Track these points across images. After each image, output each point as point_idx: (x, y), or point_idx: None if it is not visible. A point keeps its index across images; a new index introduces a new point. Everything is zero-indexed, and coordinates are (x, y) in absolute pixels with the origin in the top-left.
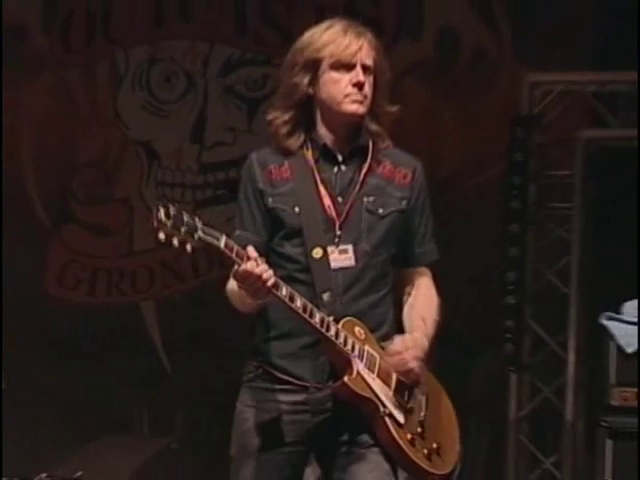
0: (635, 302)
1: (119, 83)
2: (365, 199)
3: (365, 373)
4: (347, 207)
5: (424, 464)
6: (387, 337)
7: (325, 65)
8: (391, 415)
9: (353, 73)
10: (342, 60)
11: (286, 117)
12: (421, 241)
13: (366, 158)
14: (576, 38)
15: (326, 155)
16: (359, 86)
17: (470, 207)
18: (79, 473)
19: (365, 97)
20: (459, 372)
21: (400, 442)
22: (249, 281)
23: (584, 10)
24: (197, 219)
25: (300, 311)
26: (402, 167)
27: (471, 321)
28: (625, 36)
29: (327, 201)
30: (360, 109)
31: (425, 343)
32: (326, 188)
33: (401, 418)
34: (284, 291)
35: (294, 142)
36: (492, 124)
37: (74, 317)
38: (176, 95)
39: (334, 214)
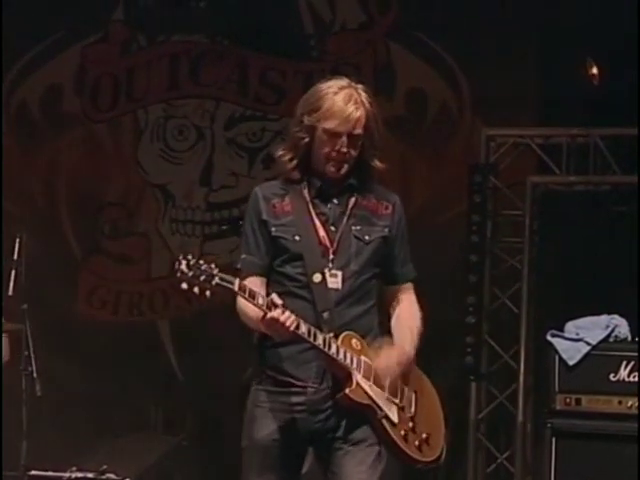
0: (575, 322)
1: (140, 136)
2: (353, 228)
3: (363, 382)
4: (338, 235)
5: (416, 455)
6: (375, 340)
7: (320, 130)
8: (386, 417)
9: (339, 142)
10: (333, 130)
11: (290, 156)
12: (402, 263)
13: (353, 194)
14: (526, 98)
15: (320, 194)
16: (341, 154)
17: (436, 240)
18: (104, 466)
19: (346, 161)
20: None
21: (395, 439)
22: (275, 327)
23: (533, 73)
24: (213, 266)
25: (306, 336)
26: (384, 201)
27: (437, 336)
28: (567, 97)
29: (322, 232)
30: (339, 173)
31: (412, 351)
32: (320, 221)
33: (395, 417)
34: (303, 329)
35: (297, 175)
36: (454, 170)
37: (101, 333)
38: (187, 145)
39: (328, 243)
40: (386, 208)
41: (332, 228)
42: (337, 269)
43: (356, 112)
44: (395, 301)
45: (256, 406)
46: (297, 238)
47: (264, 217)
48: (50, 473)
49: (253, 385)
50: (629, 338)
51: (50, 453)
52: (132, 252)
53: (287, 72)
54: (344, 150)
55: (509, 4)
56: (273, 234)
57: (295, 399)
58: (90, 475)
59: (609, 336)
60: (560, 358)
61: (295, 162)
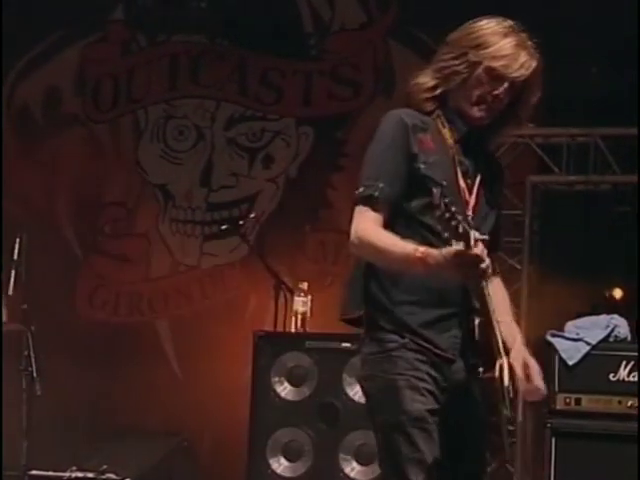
0: (575, 321)
1: (140, 136)
2: (483, 188)
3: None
4: (475, 192)
5: None
6: None
7: (483, 68)
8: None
9: (501, 86)
10: (500, 72)
11: (435, 83)
12: (500, 232)
13: (484, 149)
14: None
15: (462, 139)
16: (497, 100)
17: None
18: (104, 467)
19: (497, 108)
20: None
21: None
22: (473, 266)
23: None
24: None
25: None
26: (497, 164)
27: None
28: (567, 97)
29: (462, 182)
30: (484, 120)
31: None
32: (461, 170)
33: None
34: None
35: (430, 106)
36: None
37: (101, 333)
38: (188, 146)
39: (467, 196)
40: (500, 172)
41: (469, 181)
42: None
43: (530, 61)
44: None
45: (397, 374)
46: (444, 183)
47: (414, 150)
48: (50, 473)
49: (385, 352)
50: (629, 338)
51: (50, 453)
52: (132, 252)
53: (287, 72)
54: (502, 96)
55: (509, 3)
56: (422, 172)
57: (438, 374)
58: (90, 475)
59: (609, 336)
60: (560, 358)
61: (437, 92)
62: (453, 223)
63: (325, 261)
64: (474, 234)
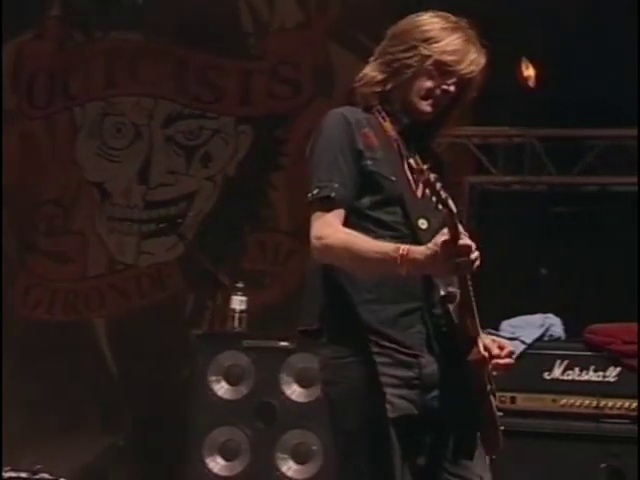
0: (511, 321)
1: (77, 133)
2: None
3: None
4: (421, 184)
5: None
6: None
7: (433, 62)
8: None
9: (449, 80)
10: (451, 67)
11: (383, 77)
12: None
13: (428, 143)
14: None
15: (405, 133)
16: (444, 94)
17: None
18: (38, 466)
19: (443, 103)
20: None
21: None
22: (463, 256)
23: None
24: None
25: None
26: (439, 164)
27: None
28: (504, 97)
29: (410, 175)
30: (430, 114)
31: None
32: (407, 163)
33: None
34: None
35: (376, 101)
36: None
37: (38, 331)
38: (125, 143)
39: (415, 190)
40: (443, 169)
41: (415, 176)
42: None
43: (479, 57)
44: None
45: (359, 380)
46: (393, 178)
47: (359, 146)
48: None
49: (346, 357)
50: (563, 337)
51: None
52: (68, 250)
53: (226, 71)
54: (450, 91)
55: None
56: (370, 168)
57: (406, 373)
58: (24, 475)
59: (543, 335)
60: None
61: (387, 87)
62: (413, 218)
63: (264, 260)
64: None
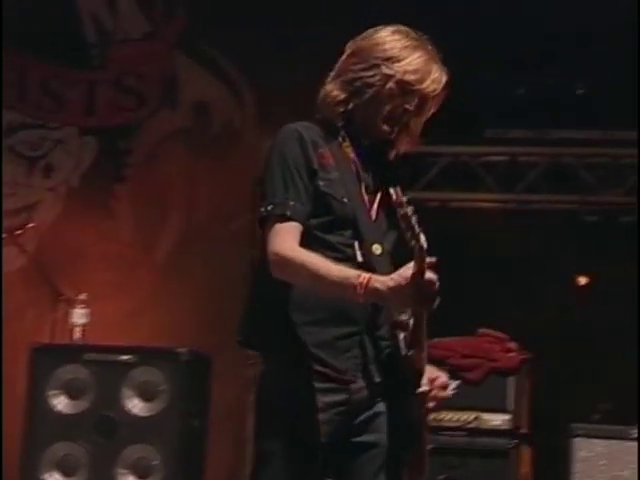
0: None
1: None
2: (384, 205)
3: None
4: (375, 206)
5: None
6: None
7: (395, 82)
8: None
9: (411, 100)
10: (413, 86)
11: (345, 96)
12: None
13: (387, 164)
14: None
15: (363, 154)
16: (406, 114)
17: (220, 251)
18: None
19: (405, 123)
20: None
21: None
22: (427, 291)
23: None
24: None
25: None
26: (401, 181)
27: (222, 348)
28: None
29: (365, 197)
30: (391, 135)
31: None
32: (364, 185)
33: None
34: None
35: (339, 121)
36: (239, 183)
37: None
38: None
39: (370, 212)
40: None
41: (370, 196)
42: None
43: (441, 75)
44: None
45: (285, 402)
46: (345, 200)
47: (314, 165)
48: None
49: (273, 374)
50: None
51: None
52: None
53: (69, 81)
54: (412, 110)
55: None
56: (322, 189)
57: (335, 397)
58: None
59: None
60: None
61: (348, 106)
62: (367, 242)
63: (107, 272)
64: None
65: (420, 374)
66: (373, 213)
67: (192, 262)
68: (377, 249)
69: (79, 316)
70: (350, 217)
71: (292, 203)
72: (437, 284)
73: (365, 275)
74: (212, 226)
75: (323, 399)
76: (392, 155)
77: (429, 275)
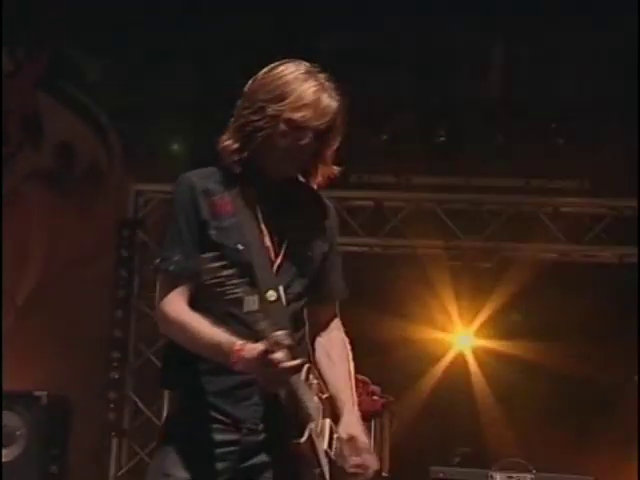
0: None
1: None
2: (298, 241)
3: (315, 434)
4: (284, 248)
5: None
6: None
7: (283, 121)
8: (322, 474)
9: (305, 136)
10: (301, 123)
11: (238, 146)
12: (336, 277)
13: (299, 200)
14: (177, 155)
15: (266, 196)
16: (303, 150)
17: (83, 294)
18: None
19: (304, 159)
20: None
21: None
22: (274, 371)
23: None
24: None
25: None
26: (323, 208)
27: (82, 392)
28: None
29: (267, 241)
30: (292, 173)
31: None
32: (267, 228)
33: (327, 475)
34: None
35: (238, 168)
36: (103, 224)
37: None
38: None
39: (273, 255)
40: (325, 217)
41: (276, 238)
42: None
43: (331, 104)
44: (322, 326)
45: (174, 439)
46: (240, 247)
47: (204, 216)
48: None
49: (171, 416)
50: None
51: None
52: None
53: None
54: (308, 146)
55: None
56: (213, 239)
57: (225, 437)
58: None
59: None
60: None
61: (244, 155)
62: (262, 289)
63: None
64: (279, 336)
65: (301, 426)
66: (278, 258)
67: (53, 304)
68: (271, 295)
69: None
70: (245, 263)
71: (176, 258)
72: (288, 367)
73: (240, 343)
74: (75, 267)
75: (219, 441)
76: (311, 189)
77: (277, 355)
